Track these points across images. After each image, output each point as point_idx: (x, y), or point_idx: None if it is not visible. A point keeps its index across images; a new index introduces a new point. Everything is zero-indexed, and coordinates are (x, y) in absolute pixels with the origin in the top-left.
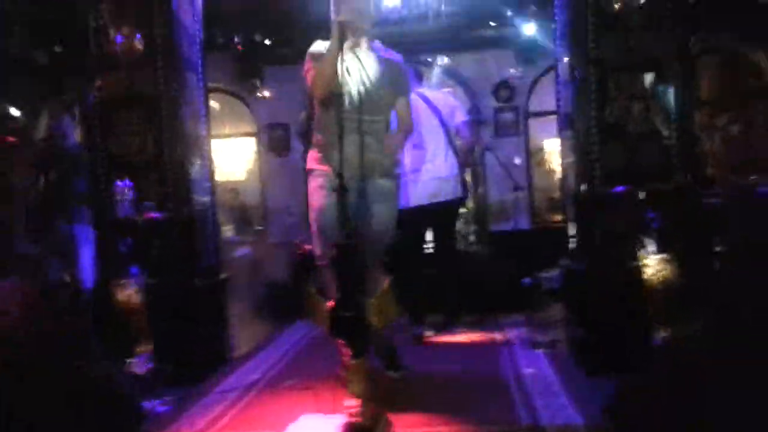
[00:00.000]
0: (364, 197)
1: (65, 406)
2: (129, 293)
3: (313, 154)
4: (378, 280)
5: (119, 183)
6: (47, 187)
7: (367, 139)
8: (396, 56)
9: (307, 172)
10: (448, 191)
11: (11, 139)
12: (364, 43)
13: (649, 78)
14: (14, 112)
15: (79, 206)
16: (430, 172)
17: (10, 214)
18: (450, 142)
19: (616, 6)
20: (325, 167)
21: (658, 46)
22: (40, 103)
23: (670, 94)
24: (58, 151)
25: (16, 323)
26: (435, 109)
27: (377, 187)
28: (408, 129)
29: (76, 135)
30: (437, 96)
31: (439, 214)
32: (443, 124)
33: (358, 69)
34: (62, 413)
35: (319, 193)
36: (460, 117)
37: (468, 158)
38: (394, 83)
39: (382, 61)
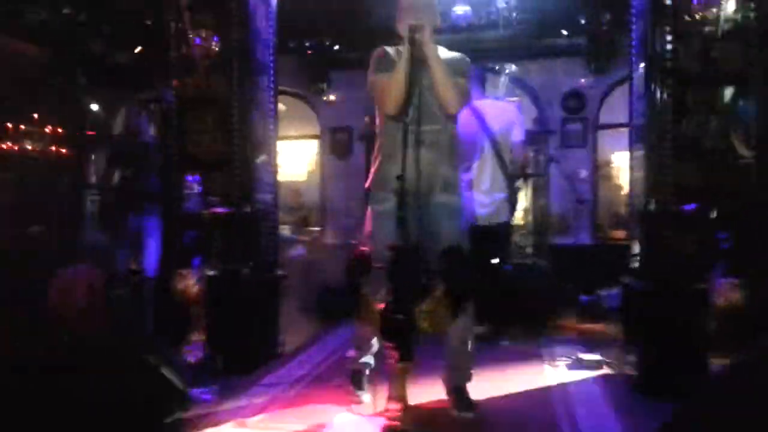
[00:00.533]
0: (428, 215)
1: (116, 388)
2: (189, 284)
3: (374, 170)
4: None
5: (188, 178)
6: (122, 181)
7: (429, 151)
8: (459, 54)
9: (367, 190)
10: (487, 215)
11: (89, 132)
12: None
13: (729, 92)
14: (94, 107)
15: (150, 200)
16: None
17: (83, 204)
18: (500, 162)
19: (696, 15)
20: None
21: (740, 58)
22: (119, 101)
23: (751, 109)
24: (133, 147)
25: (80, 308)
26: (486, 128)
27: (441, 203)
28: (462, 95)
29: (151, 132)
30: (497, 108)
31: (478, 239)
32: (494, 143)
33: (422, 77)
34: (113, 394)
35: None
36: (518, 135)
37: (521, 173)
38: (455, 75)
39: (446, 63)
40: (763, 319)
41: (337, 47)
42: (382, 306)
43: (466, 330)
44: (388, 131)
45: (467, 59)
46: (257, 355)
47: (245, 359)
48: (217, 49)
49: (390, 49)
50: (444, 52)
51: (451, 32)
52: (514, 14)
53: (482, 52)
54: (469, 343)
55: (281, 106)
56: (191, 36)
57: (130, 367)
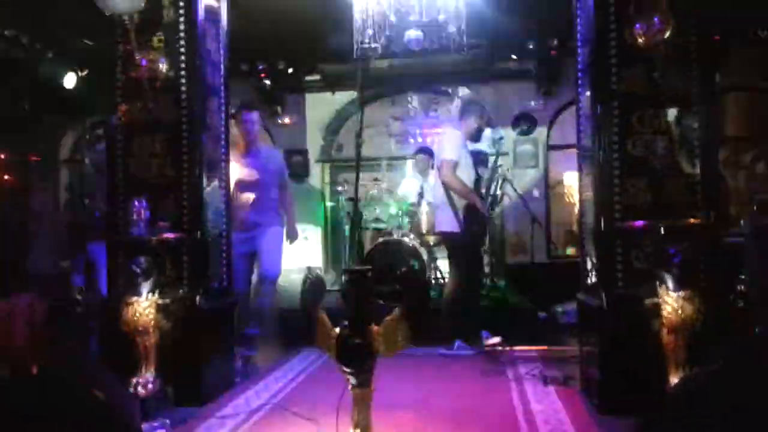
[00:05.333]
0: None
1: (62, 424)
2: (138, 312)
3: None
4: None
5: (136, 203)
6: (72, 206)
7: None
8: None
9: None
10: (443, 223)
11: (34, 157)
12: None
13: (673, 113)
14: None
15: (98, 226)
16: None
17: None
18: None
19: (640, 40)
20: None
21: (683, 81)
22: (66, 125)
23: (695, 129)
24: (82, 171)
25: (19, 339)
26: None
27: None
28: None
29: (99, 157)
30: (441, 131)
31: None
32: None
33: None
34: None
35: None
36: (440, 156)
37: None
38: None
39: None
40: (715, 331)
41: (292, 70)
42: (338, 330)
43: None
44: None
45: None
46: (212, 385)
47: (199, 389)
48: (165, 71)
49: None
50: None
51: (405, 56)
52: (465, 39)
53: (435, 76)
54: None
55: (234, 131)
56: (138, 58)
57: (73, 401)
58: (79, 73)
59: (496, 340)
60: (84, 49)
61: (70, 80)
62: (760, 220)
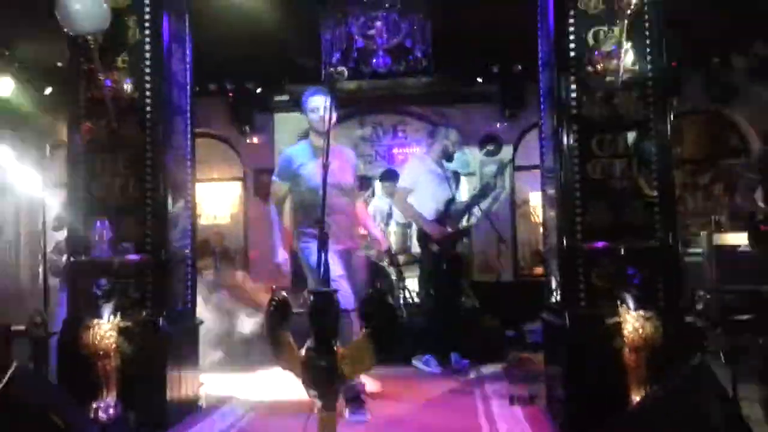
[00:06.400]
0: None
1: None
2: (99, 335)
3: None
4: None
5: (98, 224)
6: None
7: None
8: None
9: None
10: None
11: None
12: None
13: (631, 136)
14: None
15: (60, 248)
16: None
17: None
18: None
19: (598, 66)
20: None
21: (640, 105)
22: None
23: (652, 152)
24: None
25: None
26: None
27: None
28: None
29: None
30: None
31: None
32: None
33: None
34: None
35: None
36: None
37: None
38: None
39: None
40: (674, 350)
41: (260, 90)
42: (303, 352)
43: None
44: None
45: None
46: (175, 409)
47: (162, 414)
48: (129, 91)
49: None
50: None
51: (373, 78)
52: (431, 62)
53: (403, 98)
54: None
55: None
56: (102, 78)
57: (31, 426)
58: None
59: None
60: (48, 68)
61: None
62: (718, 239)
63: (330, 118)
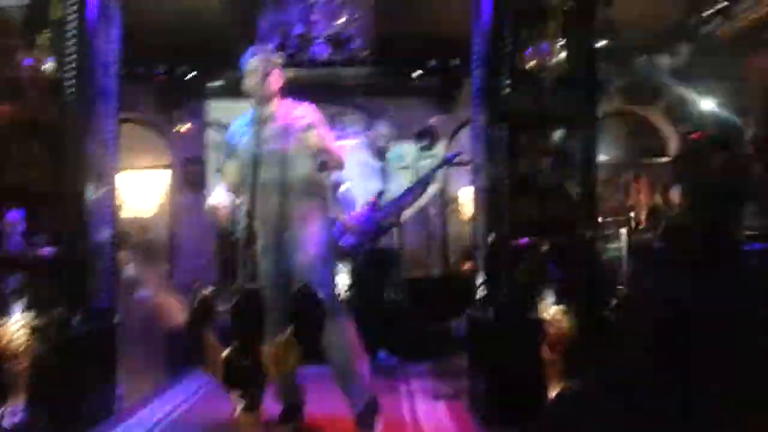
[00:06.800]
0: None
1: None
2: (8, 335)
3: None
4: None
5: (10, 214)
6: None
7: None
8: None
9: None
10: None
11: None
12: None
13: (558, 134)
14: None
15: None
16: None
17: None
18: None
19: (530, 64)
20: None
21: (568, 104)
22: None
23: (577, 150)
24: None
25: None
26: None
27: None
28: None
29: None
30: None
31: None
32: None
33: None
34: None
35: None
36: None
37: None
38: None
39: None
40: (587, 346)
41: (191, 75)
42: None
43: (343, 351)
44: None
45: (309, 108)
46: (89, 414)
47: (77, 418)
48: (49, 72)
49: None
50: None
51: (310, 67)
52: (369, 53)
53: (340, 89)
54: (353, 365)
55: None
56: (21, 56)
57: None
58: None
59: None
60: None
61: None
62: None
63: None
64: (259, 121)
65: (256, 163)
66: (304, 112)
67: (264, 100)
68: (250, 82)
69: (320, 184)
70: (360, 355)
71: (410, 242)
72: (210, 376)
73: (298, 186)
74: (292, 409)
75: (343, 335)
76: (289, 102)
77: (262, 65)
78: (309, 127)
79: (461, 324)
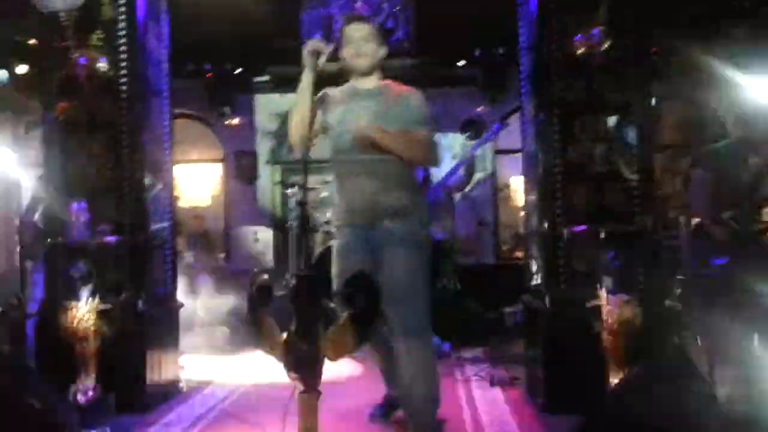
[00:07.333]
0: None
1: None
2: (77, 318)
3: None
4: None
5: (75, 205)
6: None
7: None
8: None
9: None
10: None
11: None
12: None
13: (612, 120)
14: None
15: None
16: None
17: None
18: None
19: (580, 50)
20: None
21: (621, 89)
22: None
23: (633, 136)
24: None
25: None
26: None
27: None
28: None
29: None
30: None
31: None
32: None
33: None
34: None
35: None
36: None
37: None
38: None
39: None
40: (652, 334)
41: (240, 71)
42: (285, 335)
43: (421, 385)
44: (332, 163)
45: (418, 94)
46: (155, 392)
47: (141, 397)
48: (104, 69)
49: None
50: (391, 88)
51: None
52: (413, 44)
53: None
54: (430, 403)
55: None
56: (76, 56)
57: (7, 409)
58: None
59: None
60: (21, 46)
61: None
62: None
63: (312, 98)
64: (360, 96)
65: (349, 140)
66: (409, 95)
67: (364, 74)
68: (351, 52)
69: (414, 177)
70: (438, 385)
71: (462, 230)
72: (270, 357)
73: (394, 173)
74: (394, 401)
75: (424, 367)
76: (390, 82)
77: (372, 32)
78: (414, 111)
79: (514, 311)
